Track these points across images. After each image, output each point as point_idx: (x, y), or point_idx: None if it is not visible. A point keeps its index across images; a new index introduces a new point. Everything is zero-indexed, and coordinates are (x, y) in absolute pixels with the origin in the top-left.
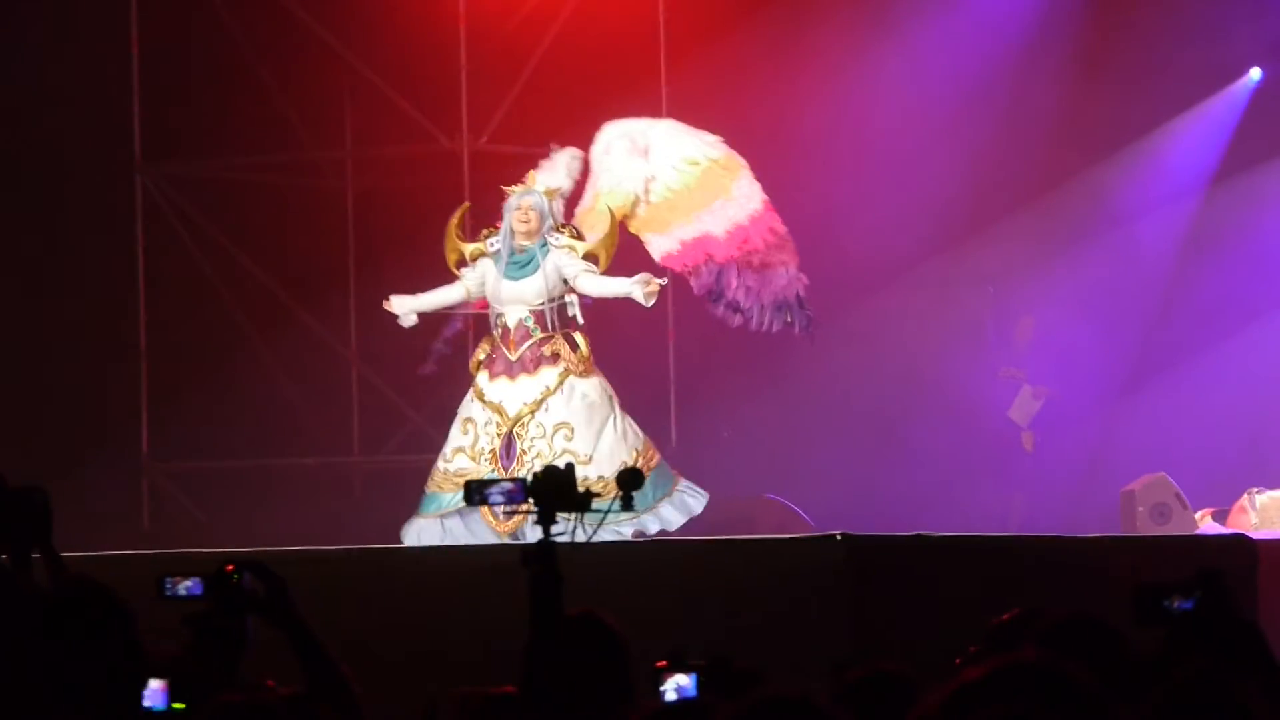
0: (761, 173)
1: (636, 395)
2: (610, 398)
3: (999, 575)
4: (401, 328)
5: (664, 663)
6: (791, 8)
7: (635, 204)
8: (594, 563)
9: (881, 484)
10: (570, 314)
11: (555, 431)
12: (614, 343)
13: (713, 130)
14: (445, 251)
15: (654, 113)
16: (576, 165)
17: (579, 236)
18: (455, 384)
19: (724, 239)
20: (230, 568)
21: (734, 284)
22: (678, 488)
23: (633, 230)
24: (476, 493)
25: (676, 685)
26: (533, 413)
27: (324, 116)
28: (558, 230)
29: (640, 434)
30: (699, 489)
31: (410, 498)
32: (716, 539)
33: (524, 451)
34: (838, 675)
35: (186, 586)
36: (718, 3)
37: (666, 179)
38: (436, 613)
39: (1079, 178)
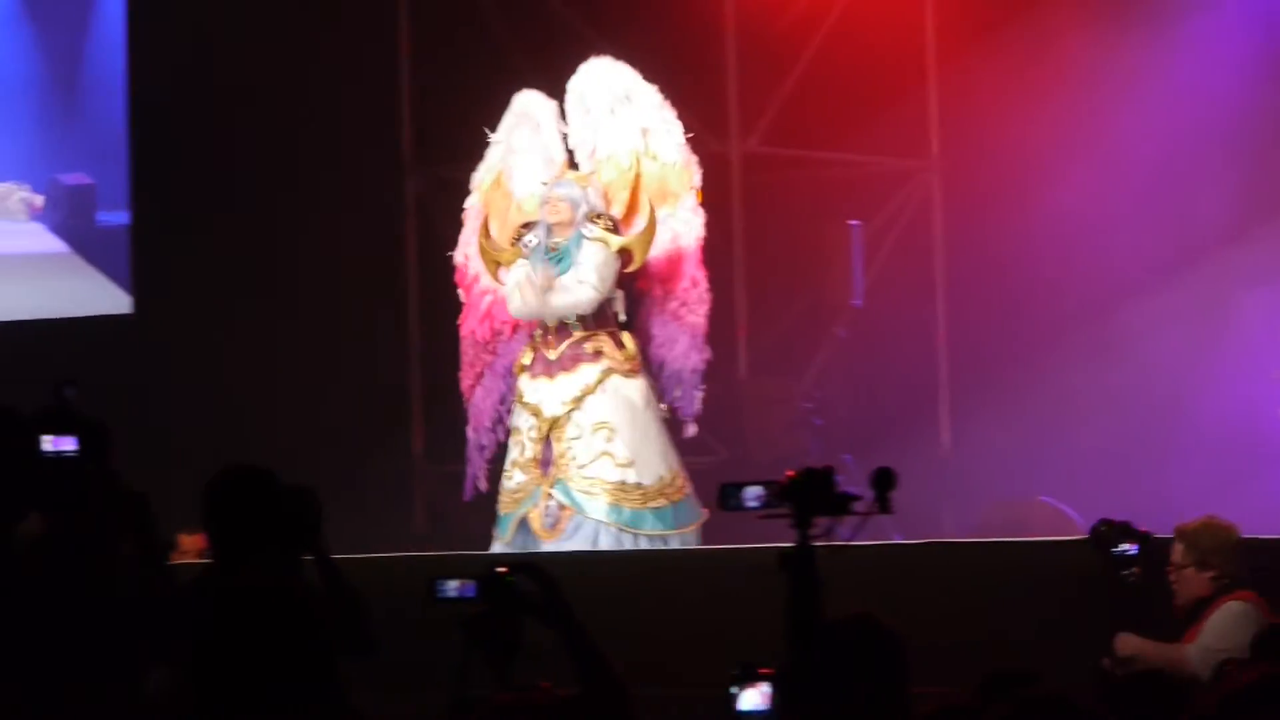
0: (1034, 175)
1: (905, 399)
2: (655, 403)
3: (1272, 578)
4: None
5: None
6: (1063, 9)
7: (640, 160)
8: (857, 565)
9: (1155, 486)
10: (613, 310)
11: (594, 432)
12: (881, 345)
13: (993, 132)
14: (484, 263)
15: (923, 117)
16: (560, 119)
17: (615, 229)
18: (727, 386)
19: (650, 262)
20: (504, 569)
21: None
22: (699, 526)
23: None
24: (731, 496)
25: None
26: (570, 413)
27: None
28: (592, 220)
29: (677, 455)
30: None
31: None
32: (989, 540)
33: (561, 454)
34: (1104, 677)
35: (459, 588)
36: (987, 5)
37: (656, 143)
38: (706, 612)
39: None
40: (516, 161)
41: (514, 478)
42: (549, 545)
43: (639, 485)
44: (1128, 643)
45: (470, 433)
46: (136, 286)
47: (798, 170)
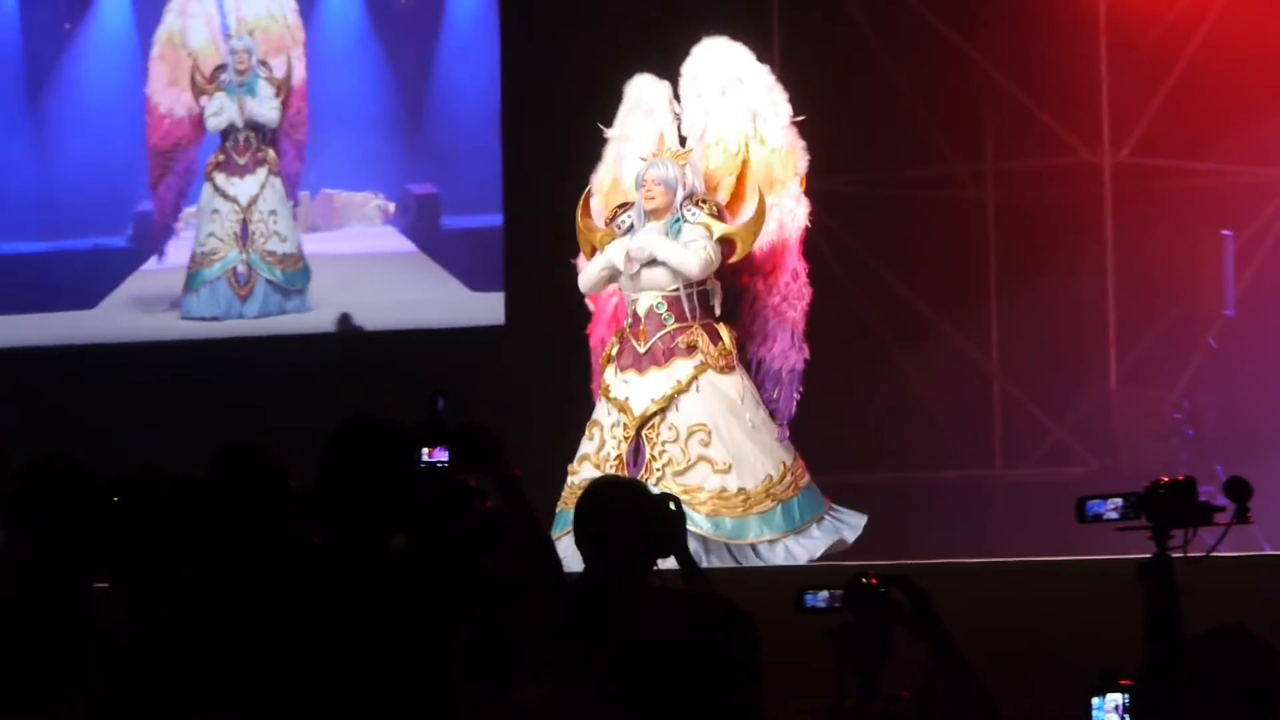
0: None
1: (1278, 409)
2: (755, 399)
3: None
4: (1042, 341)
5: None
6: None
7: (748, 144)
8: (1225, 576)
9: None
10: (710, 303)
11: (690, 435)
12: (1253, 355)
13: None
14: (580, 244)
15: None
16: (674, 100)
17: (719, 215)
18: (1098, 396)
19: (754, 254)
20: (874, 580)
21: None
22: (830, 512)
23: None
24: (1088, 508)
25: (1115, 704)
26: (662, 411)
27: (964, 129)
28: (697, 204)
29: (790, 447)
30: (854, 514)
31: (1053, 512)
32: None
33: (653, 458)
34: None
35: (827, 599)
36: None
37: (765, 127)
38: (1067, 622)
39: None
40: (628, 149)
41: (582, 473)
42: None
43: (741, 490)
44: None
45: None
46: (510, 293)
47: (1169, 180)
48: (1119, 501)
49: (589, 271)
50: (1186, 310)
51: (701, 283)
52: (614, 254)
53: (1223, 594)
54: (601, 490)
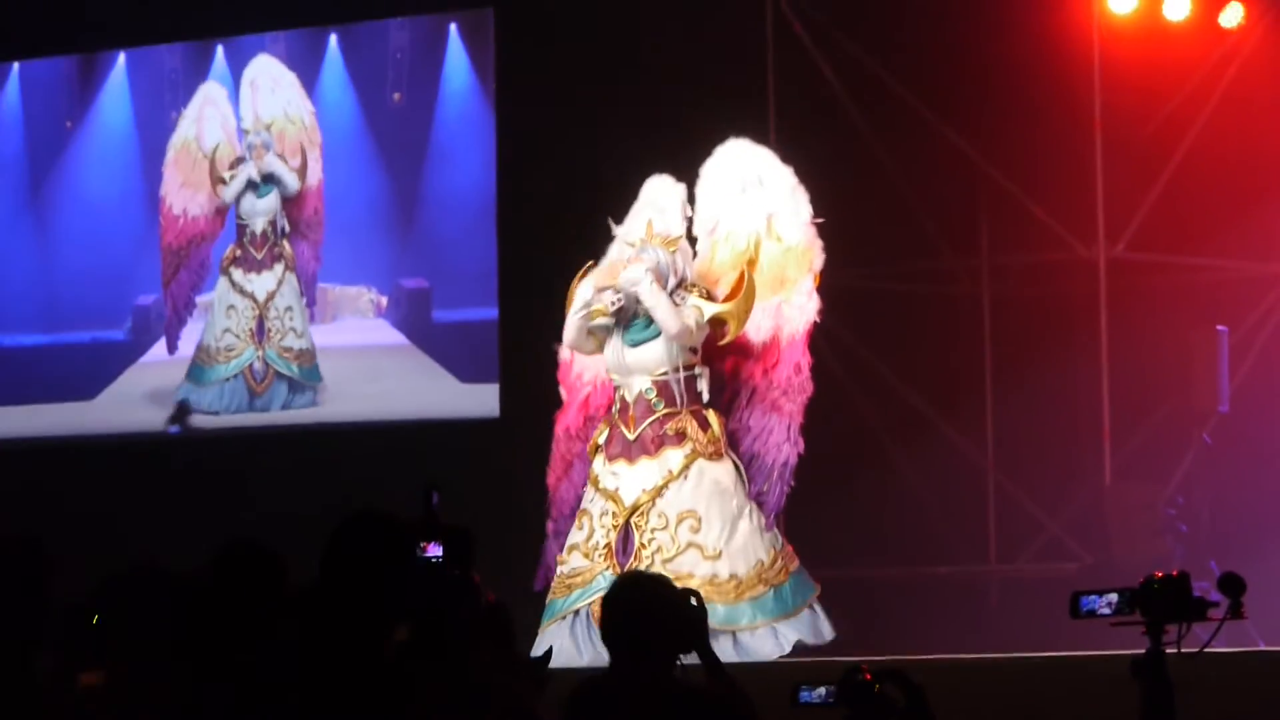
0: None
1: (1273, 506)
2: (745, 485)
3: None
4: (1037, 436)
5: None
6: None
7: (759, 245)
8: (1212, 673)
9: None
10: (698, 389)
11: (679, 522)
12: (1247, 451)
13: None
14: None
15: None
16: (686, 204)
17: (709, 298)
18: (1092, 491)
19: (754, 348)
20: (868, 675)
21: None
22: (815, 601)
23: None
24: (1082, 603)
25: None
26: (653, 500)
27: (960, 224)
28: (685, 290)
29: (777, 533)
30: (828, 623)
31: (1047, 607)
32: None
33: (642, 545)
34: None
35: (822, 694)
36: None
37: (782, 225)
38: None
39: None
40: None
41: (570, 562)
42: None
43: (732, 577)
44: None
45: (550, 523)
46: (505, 385)
47: (1164, 275)
48: (1113, 597)
49: (568, 323)
50: (1181, 405)
51: (690, 367)
52: (584, 292)
53: (1216, 690)
54: (626, 586)
